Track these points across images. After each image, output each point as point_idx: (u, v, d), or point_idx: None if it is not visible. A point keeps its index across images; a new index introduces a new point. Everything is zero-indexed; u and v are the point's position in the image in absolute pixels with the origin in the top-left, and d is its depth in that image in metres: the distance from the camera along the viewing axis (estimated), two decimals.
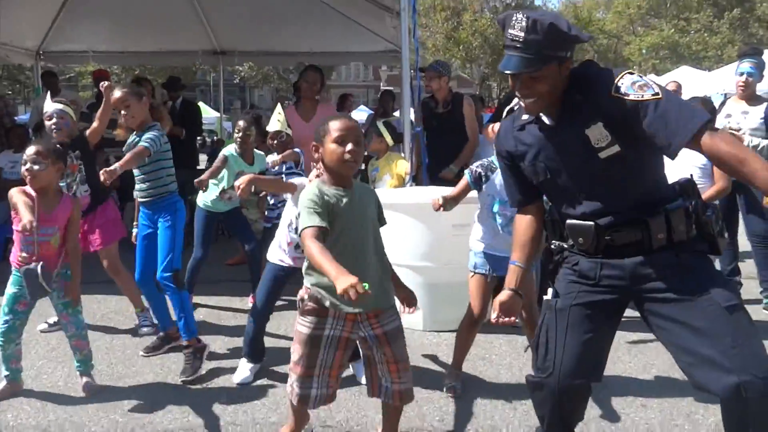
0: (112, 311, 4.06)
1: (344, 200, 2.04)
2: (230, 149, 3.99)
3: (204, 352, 3.20)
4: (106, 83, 3.53)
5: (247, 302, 4.21)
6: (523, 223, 2.08)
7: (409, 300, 2.27)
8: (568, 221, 1.92)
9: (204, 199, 4.10)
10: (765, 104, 4.05)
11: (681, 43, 29.60)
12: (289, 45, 8.40)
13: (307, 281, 2.14)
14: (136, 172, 3.27)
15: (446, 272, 3.56)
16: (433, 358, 3.35)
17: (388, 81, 33.11)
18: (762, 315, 3.99)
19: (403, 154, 4.42)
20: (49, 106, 3.59)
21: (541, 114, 1.89)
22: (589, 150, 1.79)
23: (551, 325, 1.94)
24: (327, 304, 2.08)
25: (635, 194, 1.82)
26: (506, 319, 2.02)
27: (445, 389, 2.90)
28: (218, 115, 10.31)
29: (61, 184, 3.52)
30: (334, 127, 2.05)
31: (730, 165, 1.66)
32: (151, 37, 8.00)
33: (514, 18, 1.76)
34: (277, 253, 3.02)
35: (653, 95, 1.71)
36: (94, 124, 3.63)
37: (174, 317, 3.26)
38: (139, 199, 3.33)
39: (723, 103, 4.35)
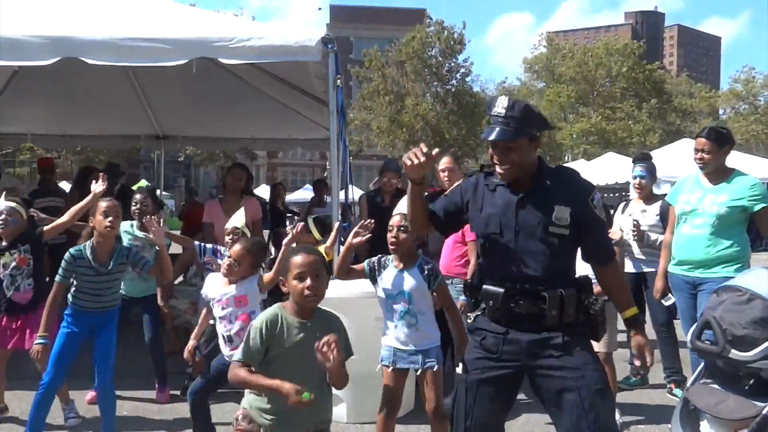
0: None
1: (297, 331, 2.17)
2: (124, 225, 4.13)
3: None
4: (100, 181, 3.63)
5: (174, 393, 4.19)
6: (415, 202, 2.45)
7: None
8: (484, 287, 2.29)
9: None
10: (659, 202, 4.49)
11: (608, 130, 31.77)
12: (231, 131, 8.68)
13: (245, 401, 2.23)
14: (88, 284, 3.33)
15: (369, 364, 3.64)
16: None
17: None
18: (666, 399, 4.26)
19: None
20: (0, 203, 3.69)
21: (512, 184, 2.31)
22: (546, 221, 2.24)
23: (461, 399, 2.34)
24: (261, 423, 2.14)
25: (550, 270, 2.25)
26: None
27: None
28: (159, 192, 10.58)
29: (5, 284, 3.60)
30: (295, 263, 2.20)
31: (609, 288, 2.37)
32: (93, 121, 8.11)
33: (498, 100, 2.28)
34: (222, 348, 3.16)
35: (602, 219, 2.35)
36: (62, 219, 3.72)
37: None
38: (81, 307, 3.36)
39: (626, 204, 4.79)
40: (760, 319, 2.54)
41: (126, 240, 4.15)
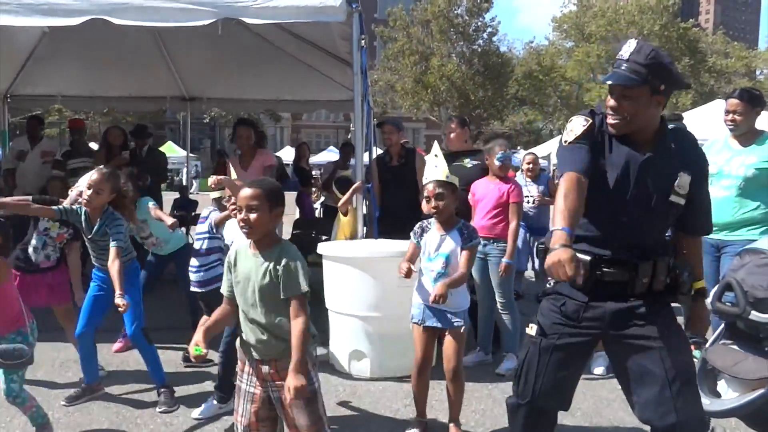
0: (72, 359, 4.14)
1: (247, 260, 2.25)
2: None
3: (173, 393, 3.53)
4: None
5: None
6: (579, 193, 1.99)
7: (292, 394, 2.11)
8: None
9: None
10: None
11: None
12: (256, 92, 8.70)
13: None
14: (92, 245, 3.44)
15: (392, 322, 3.77)
16: (379, 405, 3.53)
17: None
18: None
19: (355, 206, 4.67)
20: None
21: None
22: (667, 188, 2.07)
23: (533, 361, 2.24)
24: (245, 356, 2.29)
25: (653, 239, 2.12)
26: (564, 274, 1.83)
27: None
28: (185, 154, 10.79)
29: (33, 243, 3.75)
30: (237, 197, 2.33)
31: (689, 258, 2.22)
32: (120, 83, 8.20)
33: (627, 42, 2.06)
34: None
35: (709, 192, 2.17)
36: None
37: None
38: (97, 265, 3.50)
39: None
40: None
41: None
